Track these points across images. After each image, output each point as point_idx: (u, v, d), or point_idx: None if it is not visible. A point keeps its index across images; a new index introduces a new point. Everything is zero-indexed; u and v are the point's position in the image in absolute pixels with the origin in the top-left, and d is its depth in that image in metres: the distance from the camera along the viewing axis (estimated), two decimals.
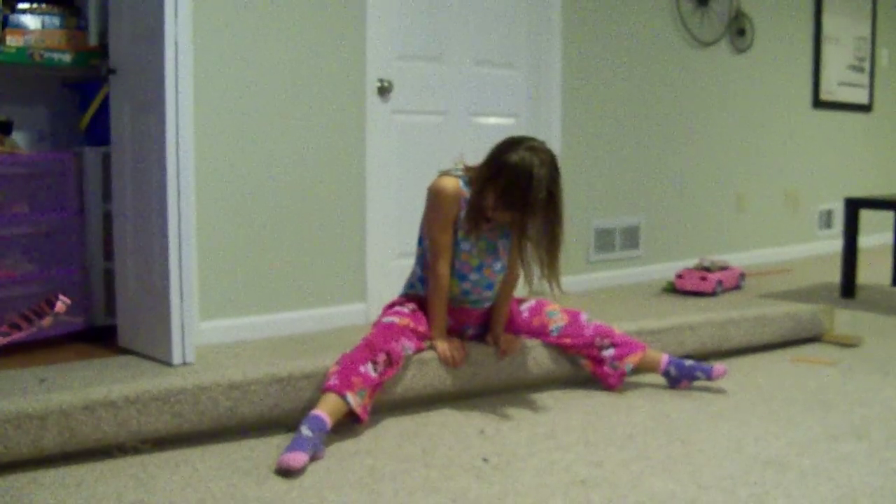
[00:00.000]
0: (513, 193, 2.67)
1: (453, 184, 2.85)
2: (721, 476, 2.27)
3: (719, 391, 3.06)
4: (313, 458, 2.38)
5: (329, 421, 2.48)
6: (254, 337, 3.89)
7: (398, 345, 2.73)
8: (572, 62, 5.07)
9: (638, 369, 3.12)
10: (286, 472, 2.30)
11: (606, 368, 3.07)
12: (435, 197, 2.88)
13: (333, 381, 2.58)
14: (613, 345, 3.08)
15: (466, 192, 2.84)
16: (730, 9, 6.05)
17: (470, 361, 2.91)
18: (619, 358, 3.07)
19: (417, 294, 3.02)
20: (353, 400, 2.56)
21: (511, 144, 2.74)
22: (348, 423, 2.62)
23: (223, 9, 3.76)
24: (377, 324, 2.88)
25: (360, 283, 4.24)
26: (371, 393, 2.63)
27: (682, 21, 5.72)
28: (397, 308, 2.97)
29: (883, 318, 4.31)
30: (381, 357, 2.66)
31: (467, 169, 2.88)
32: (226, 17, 3.78)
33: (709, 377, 3.08)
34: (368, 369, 2.63)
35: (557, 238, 2.74)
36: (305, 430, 2.41)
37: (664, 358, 3.14)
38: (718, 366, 3.11)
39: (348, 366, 2.62)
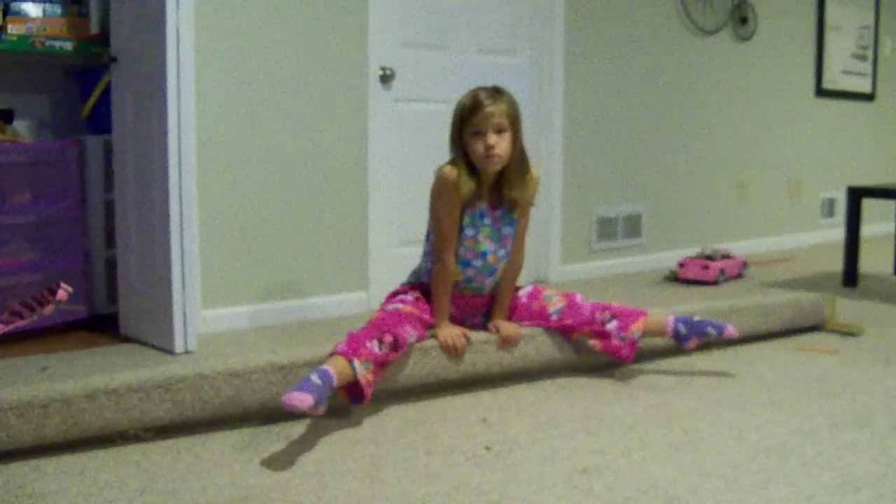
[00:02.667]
0: (467, 119, 2.88)
1: (453, 171, 2.89)
2: (723, 464, 2.27)
3: (724, 375, 3.06)
4: (314, 409, 2.36)
5: (335, 379, 2.47)
6: (256, 325, 3.89)
7: (403, 330, 2.74)
8: (575, 50, 5.06)
9: (646, 334, 3.11)
10: (290, 411, 2.33)
11: (615, 342, 3.05)
12: (437, 185, 2.93)
13: (341, 347, 2.60)
14: (614, 316, 3.07)
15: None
16: None
17: (472, 349, 2.91)
18: (625, 328, 3.05)
19: (421, 283, 3.03)
20: (359, 369, 2.57)
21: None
22: (347, 407, 2.63)
23: None
24: (381, 310, 2.89)
25: (362, 272, 4.24)
26: (375, 369, 2.63)
27: (685, 9, 5.71)
28: (401, 296, 2.98)
29: (885, 307, 4.30)
30: (388, 338, 2.68)
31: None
32: (227, 3, 3.77)
33: (720, 334, 3.08)
34: (374, 345, 2.64)
35: (518, 143, 2.92)
36: (314, 377, 2.41)
37: (670, 318, 3.14)
38: (730, 326, 3.11)
39: (355, 338, 2.64)
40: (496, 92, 2.91)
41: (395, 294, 3.04)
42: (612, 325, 3.06)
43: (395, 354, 2.70)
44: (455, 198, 2.88)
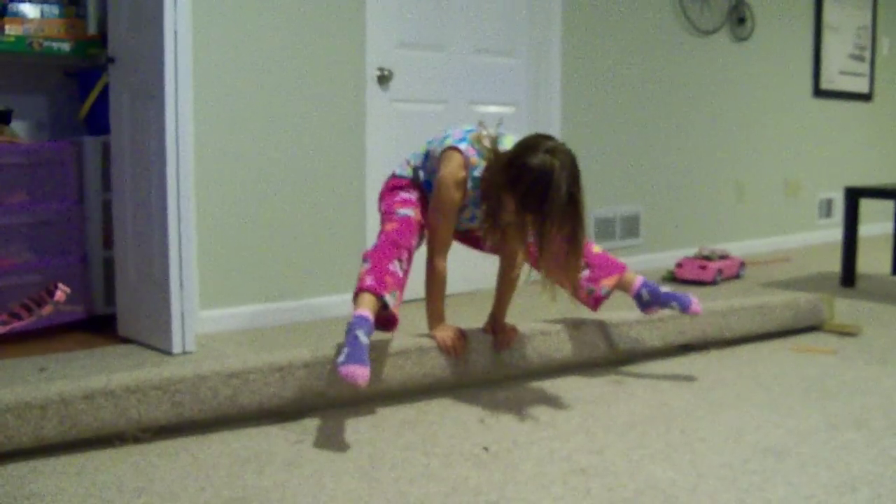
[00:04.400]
0: (533, 197, 2.53)
1: (456, 175, 2.79)
2: (721, 464, 2.27)
3: (722, 376, 3.06)
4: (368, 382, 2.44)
5: (373, 321, 2.57)
6: (253, 326, 3.89)
7: (415, 241, 2.82)
8: (572, 50, 5.06)
9: (616, 289, 3.13)
10: (352, 386, 2.40)
11: (582, 293, 3.05)
12: (438, 189, 2.83)
13: (370, 281, 2.64)
14: (589, 266, 3.03)
15: (476, 160, 2.78)
16: None
17: (469, 350, 2.91)
18: (595, 280, 3.03)
19: (417, 179, 2.99)
20: (390, 300, 2.65)
21: (529, 147, 2.61)
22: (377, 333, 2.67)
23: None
24: (390, 214, 2.89)
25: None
26: (400, 294, 2.71)
27: (683, 9, 5.71)
28: (405, 196, 2.94)
29: (883, 307, 4.31)
30: (405, 254, 2.73)
31: (482, 142, 2.79)
32: (225, 4, 3.77)
33: (684, 309, 3.02)
34: (396, 268, 2.69)
35: (579, 241, 2.60)
36: (362, 337, 2.48)
37: (638, 280, 3.11)
38: (696, 301, 3.05)
39: (379, 265, 2.68)
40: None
41: (396, 188, 2.98)
42: (583, 274, 3.02)
43: (409, 269, 2.78)
44: (456, 199, 2.81)
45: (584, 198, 2.59)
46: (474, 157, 2.79)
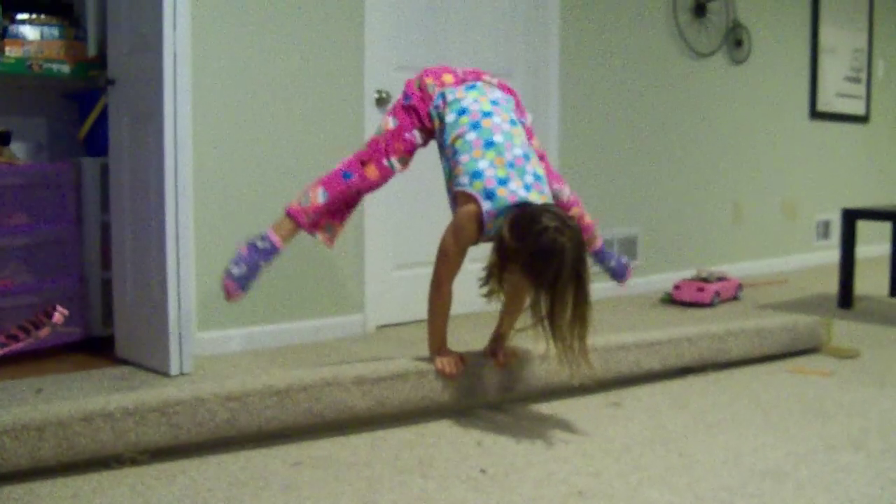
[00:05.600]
0: (539, 273, 2.55)
1: (473, 226, 2.79)
2: (719, 487, 2.27)
3: (720, 398, 3.06)
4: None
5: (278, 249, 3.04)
6: (252, 347, 3.89)
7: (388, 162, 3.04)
8: (570, 72, 5.08)
9: None
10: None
11: None
12: (449, 236, 2.84)
13: (304, 220, 3.06)
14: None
15: (492, 225, 2.75)
16: (727, 20, 6.07)
17: (467, 374, 2.91)
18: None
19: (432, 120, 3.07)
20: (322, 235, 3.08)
21: (535, 219, 2.61)
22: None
23: (222, 19, 3.77)
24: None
25: (358, 294, 4.24)
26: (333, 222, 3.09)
27: (680, 32, 5.74)
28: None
29: (880, 329, 4.31)
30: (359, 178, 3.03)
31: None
32: (225, 27, 3.79)
33: (615, 277, 3.54)
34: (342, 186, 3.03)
35: (586, 319, 2.59)
36: (259, 260, 2.99)
37: (598, 244, 3.46)
38: (630, 270, 3.56)
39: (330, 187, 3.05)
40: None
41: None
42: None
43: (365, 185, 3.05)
44: (471, 239, 2.82)
45: (590, 275, 2.60)
46: (490, 222, 2.75)
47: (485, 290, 2.70)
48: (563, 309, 2.54)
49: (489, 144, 2.83)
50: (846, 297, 4.91)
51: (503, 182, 2.76)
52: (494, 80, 3.14)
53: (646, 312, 4.84)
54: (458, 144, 2.87)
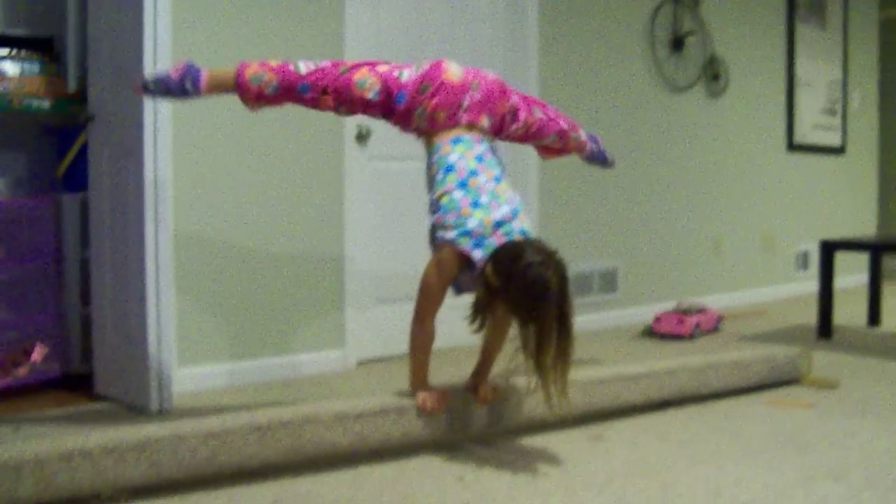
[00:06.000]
0: (526, 309, 2.60)
1: (455, 262, 2.81)
2: None
3: (700, 430, 3.06)
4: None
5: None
6: (232, 383, 3.87)
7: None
8: None
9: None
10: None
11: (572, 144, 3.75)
12: (439, 265, 2.84)
13: (246, 93, 3.08)
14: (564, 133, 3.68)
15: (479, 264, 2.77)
16: (704, 54, 6.13)
17: (449, 409, 2.90)
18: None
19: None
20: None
21: (520, 255, 2.64)
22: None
23: (202, 55, 3.78)
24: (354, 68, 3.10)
25: (338, 330, 4.24)
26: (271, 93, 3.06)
27: (657, 66, 5.80)
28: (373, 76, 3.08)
29: (860, 360, 4.33)
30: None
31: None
32: (205, 62, 3.79)
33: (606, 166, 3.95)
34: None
35: (568, 354, 2.64)
36: (187, 84, 3.05)
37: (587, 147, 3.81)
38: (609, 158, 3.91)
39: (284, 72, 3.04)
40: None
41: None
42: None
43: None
44: (452, 277, 2.84)
45: (574, 309, 2.66)
46: (480, 263, 2.76)
47: (474, 326, 2.77)
48: (548, 343, 2.57)
49: (476, 205, 2.84)
50: (825, 328, 4.94)
51: (491, 236, 2.78)
52: (490, 76, 3.18)
53: (626, 345, 4.85)
54: (445, 201, 2.89)
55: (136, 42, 3.32)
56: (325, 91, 3.03)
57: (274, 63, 3.04)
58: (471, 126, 3.04)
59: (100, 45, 3.56)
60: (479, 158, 2.96)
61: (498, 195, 2.88)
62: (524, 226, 2.85)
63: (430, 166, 3.03)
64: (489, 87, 3.11)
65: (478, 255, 2.75)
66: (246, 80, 3.04)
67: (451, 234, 2.81)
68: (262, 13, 3.97)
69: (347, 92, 3.04)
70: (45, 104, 3.82)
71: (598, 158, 3.90)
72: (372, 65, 3.08)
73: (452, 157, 2.95)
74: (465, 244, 2.77)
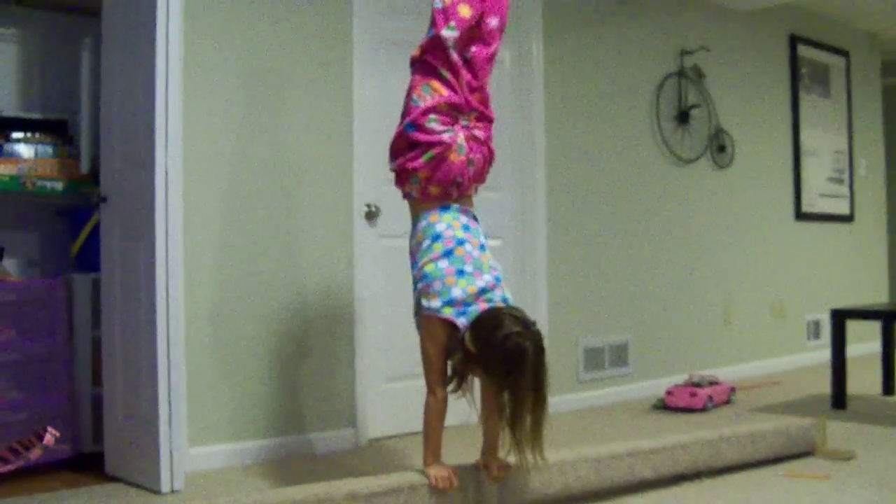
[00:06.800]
0: (500, 375, 2.70)
1: (441, 326, 2.90)
2: None
3: None
4: None
5: None
6: (243, 462, 3.85)
7: None
8: (557, 183, 5.14)
9: None
10: None
11: None
12: (428, 334, 2.94)
13: None
14: None
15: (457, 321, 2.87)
16: (710, 126, 6.18)
17: (461, 487, 2.88)
18: None
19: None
20: None
21: (499, 324, 2.73)
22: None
23: (213, 136, 3.84)
24: None
25: (349, 408, 4.22)
26: None
27: (664, 140, 5.84)
28: None
29: (875, 429, 4.29)
30: None
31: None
32: (216, 143, 3.85)
33: None
34: None
35: (541, 421, 2.71)
36: None
37: None
38: None
39: None
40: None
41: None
42: None
43: None
44: (444, 341, 2.90)
45: (549, 378, 2.74)
46: (463, 330, 2.85)
47: (451, 387, 2.89)
48: (522, 410, 2.66)
49: (460, 273, 2.92)
50: (839, 398, 4.89)
51: (474, 303, 2.87)
52: (486, 149, 3.27)
53: (638, 419, 4.81)
54: (430, 269, 2.95)
55: (147, 124, 3.37)
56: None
57: None
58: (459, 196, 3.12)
59: (112, 127, 3.62)
60: (466, 228, 3.05)
61: (481, 264, 2.96)
62: (505, 293, 2.94)
63: (415, 234, 3.10)
64: (483, 161, 3.25)
65: (462, 322, 2.83)
66: None
67: (435, 304, 2.89)
68: (271, 92, 4.02)
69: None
70: (59, 186, 3.87)
71: None
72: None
73: (440, 227, 3.02)
74: (449, 313, 2.86)
